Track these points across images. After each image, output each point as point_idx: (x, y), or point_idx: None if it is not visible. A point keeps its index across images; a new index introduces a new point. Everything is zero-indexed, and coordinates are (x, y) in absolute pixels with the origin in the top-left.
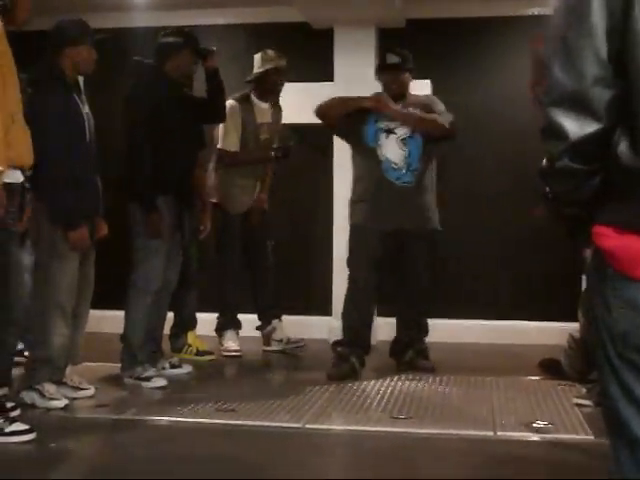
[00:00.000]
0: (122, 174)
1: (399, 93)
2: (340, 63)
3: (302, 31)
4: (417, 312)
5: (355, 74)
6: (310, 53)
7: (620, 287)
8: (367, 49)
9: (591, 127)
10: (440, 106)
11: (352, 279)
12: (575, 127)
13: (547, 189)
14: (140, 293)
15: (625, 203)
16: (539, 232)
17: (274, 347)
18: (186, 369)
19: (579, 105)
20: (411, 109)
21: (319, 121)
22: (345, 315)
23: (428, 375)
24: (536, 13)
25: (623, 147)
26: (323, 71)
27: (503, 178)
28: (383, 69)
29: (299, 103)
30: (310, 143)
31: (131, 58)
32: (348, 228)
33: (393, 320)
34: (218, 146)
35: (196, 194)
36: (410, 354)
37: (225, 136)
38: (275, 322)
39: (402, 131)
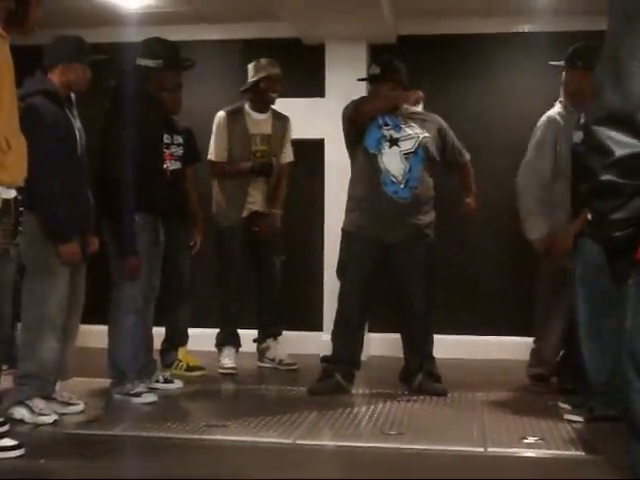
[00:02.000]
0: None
1: (398, 104)
2: (331, 79)
3: (293, 47)
4: (420, 332)
5: (346, 90)
6: (301, 69)
7: None
8: (358, 65)
9: (637, 147)
10: (452, 135)
11: (342, 292)
12: (621, 145)
13: (590, 216)
14: (123, 313)
15: None
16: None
17: (266, 364)
18: (177, 384)
19: (626, 126)
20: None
21: (310, 136)
22: (334, 330)
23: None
24: (526, 30)
25: None
26: (314, 87)
27: (496, 194)
28: (367, 80)
29: (290, 119)
30: (300, 158)
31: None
32: (338, 243)
33: (385, 335)
34: (208, 157)
35: (186, 209)
36: (419, 378)
37: (212, 147)
38: (270, 340)
39: (407, 145)
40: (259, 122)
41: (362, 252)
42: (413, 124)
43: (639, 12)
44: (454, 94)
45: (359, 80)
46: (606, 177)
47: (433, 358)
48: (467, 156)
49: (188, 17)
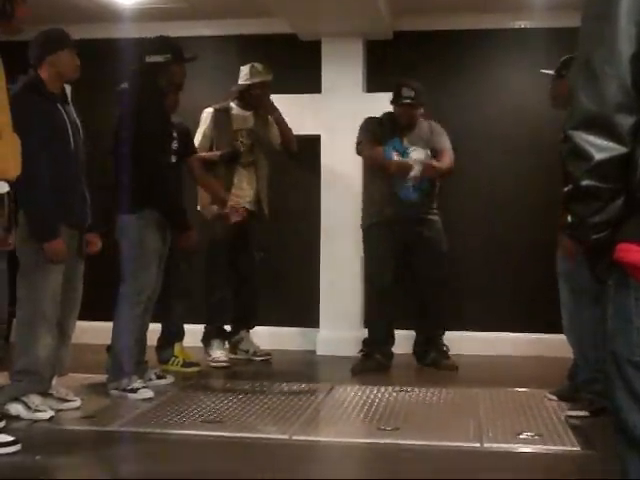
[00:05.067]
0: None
1: (410, 124)
2: (328, 75)
3: (290, 43)
4: (436, 300)
5: (343, 86)
6: (297, 65)
7: None
8: (355, 61)
9: (614, 151)
10: (446, 141)
11: (372, 274)
12: (599, 149)
13: (570, 218)
14: (131, 304)
15: None
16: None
17: (240, 356)
18: (169, 380)
19: (603, 129)
20: (422, 155)
21: (306, 132)
22: (368, 315)
23: (414, 386)
24: (523, 26)
25: None
26: (311, 83)
27: (497, 189)
28: (398, 103)
29: (287, 114)
30: (297, 154)
31: (119, 71)
32: (335, 240)
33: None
34: None
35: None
36: (432, 355)
37: (197, 139)
38: (243, 332)
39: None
40: (244, 118)
41: (384, 235)
42: (418, 147)
43: (611, 15)
44: (450, 90)
45: (394, 99)
46: (586, 182)
47: (444, 330)
48: (446, 162)
49: (184, 13)
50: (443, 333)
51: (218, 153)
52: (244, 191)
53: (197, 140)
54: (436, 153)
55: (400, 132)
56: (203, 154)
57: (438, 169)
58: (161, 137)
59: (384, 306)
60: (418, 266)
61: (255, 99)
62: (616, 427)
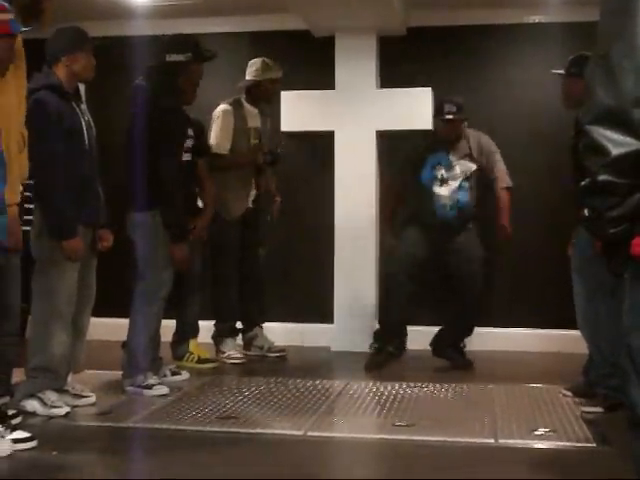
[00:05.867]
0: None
1: (455, 139)
2: (341, 71)
3: (303, 39)
4: (472, 308)
5: (356, 82)
6: (311, 61)
7: None
8: (368, 57)
9: (632, 146)
10: (497, 155)
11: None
12: (616, 144)
13: (586, 211)
14: (149, 301)
15: None
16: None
17: (254, 352)
18: (184, 376)
19: (620, 124)
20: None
21: (320, 128)
22: (381, 308)
23: (429, 382)
24: (537, 21)
25: None
26: (324, 79)
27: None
28: (442, 119)
29: (300, 110)
30: (311, 150)
31: (131, 72)
32: (349, 236)
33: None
34: (210, 149)
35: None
36: (449, 351)
37: (217, 139)
38: (257, 329)
39: (455, 183)
40: (253, 116)
41: (413, 233)
42: (463, 161)
43: (630, 9)
44: (464, 86)
45: (436, 114)
46: (603, 177)
47: (469, 334)
48: (503, 181)
49: (198, 10)
50: (470, 334)
51: (260, 157)
52: (242, 187)
53: (215, 139)
54: (487, 170)
55: (446, 146)
56: (242, 158)
57: (507, 224)
58: (177, 138)
59: (399, 299)
60: (453, 267)
61: (265, 94)
62: (631, 423)
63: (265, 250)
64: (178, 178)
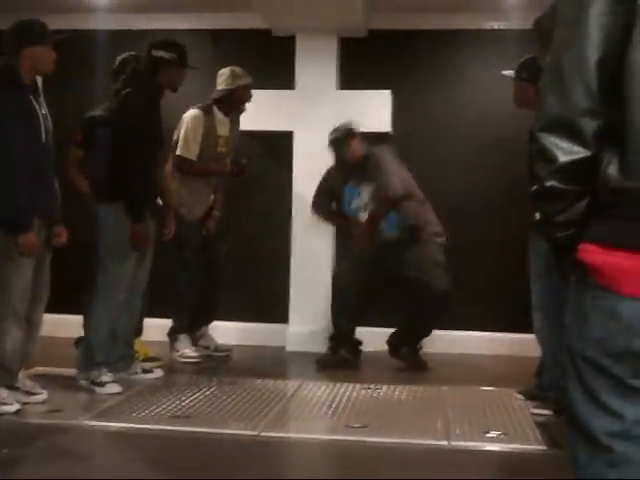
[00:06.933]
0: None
1: (355, 164)
2: (301, 71)
3: (263, 38)
4: (438, 312)
5: (316, 82)
6: (271, 60)
7: (600, 297)
8: (329, 58)
9: (579, 154)
10: (387, 174)
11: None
12: (564, 152)
13: (537, 215)
14: (106, 295)
15: (610, 222)
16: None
17: (199, 352)
18: (157, 374)
19: (569, 132)
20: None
21: (279, 128)
22: (333, 310)
23: (383, 383)
24: (496, 27)
25: (612, 170)
26: (284, 79)
27: (466, 188)
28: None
29: (259, 110)
30: (270, 150)
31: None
32: (305, 236)
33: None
34: (177, 152)
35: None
36: (405, 350)
37: (185, 144)
38: (203, 328)
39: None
40: (223, 124)
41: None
42: (364, 185)
43: (580, 20)
44: (423, 88)
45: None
46: (550, 183)
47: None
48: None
49: (158, 5)
50: (427, 335)
51: (229, 166)
52: (204, 191)
53: (186, 144)
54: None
55: (352, 174)
56: (212, 166)
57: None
58: (144, 132)
59: (346, 310)
60: (412, 274)
61: (239, 102)
62: (568, 420)
63: (226, 248)
64: (144, 170)
